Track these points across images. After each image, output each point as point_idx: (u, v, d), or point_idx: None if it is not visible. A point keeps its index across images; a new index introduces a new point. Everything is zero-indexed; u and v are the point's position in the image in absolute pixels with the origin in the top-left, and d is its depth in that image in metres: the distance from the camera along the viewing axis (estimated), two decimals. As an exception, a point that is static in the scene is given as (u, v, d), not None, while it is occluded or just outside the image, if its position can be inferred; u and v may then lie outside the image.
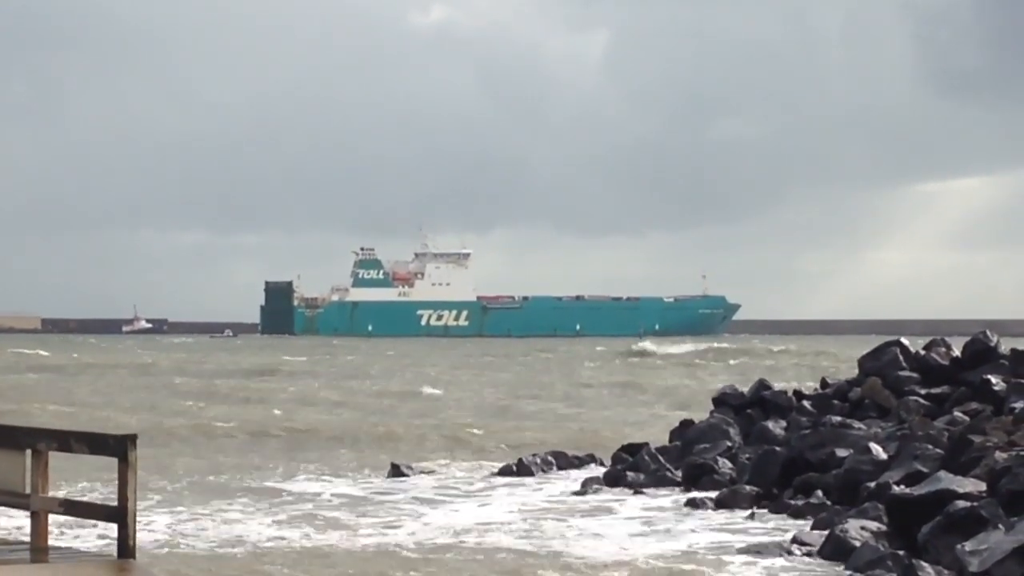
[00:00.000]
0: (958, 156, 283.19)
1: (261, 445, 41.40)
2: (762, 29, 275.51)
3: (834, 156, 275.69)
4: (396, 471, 33.35)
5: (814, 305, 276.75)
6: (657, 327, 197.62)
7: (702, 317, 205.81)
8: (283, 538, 23.87)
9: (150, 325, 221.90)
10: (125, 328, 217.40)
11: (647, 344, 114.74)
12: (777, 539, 22.72)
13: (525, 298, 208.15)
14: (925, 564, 19.76)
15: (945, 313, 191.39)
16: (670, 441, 33.21)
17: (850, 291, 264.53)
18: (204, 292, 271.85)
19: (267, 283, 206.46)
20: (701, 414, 35.66)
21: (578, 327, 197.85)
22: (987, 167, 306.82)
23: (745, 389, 34.60)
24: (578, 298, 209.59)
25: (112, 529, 15.15)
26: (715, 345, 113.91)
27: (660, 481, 29.09)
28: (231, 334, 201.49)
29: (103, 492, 26.86)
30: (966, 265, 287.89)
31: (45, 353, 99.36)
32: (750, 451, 29.23)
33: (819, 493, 25.43)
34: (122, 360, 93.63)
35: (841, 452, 26.58)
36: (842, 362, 77.81)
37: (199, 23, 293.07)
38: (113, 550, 15.26)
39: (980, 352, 31.22)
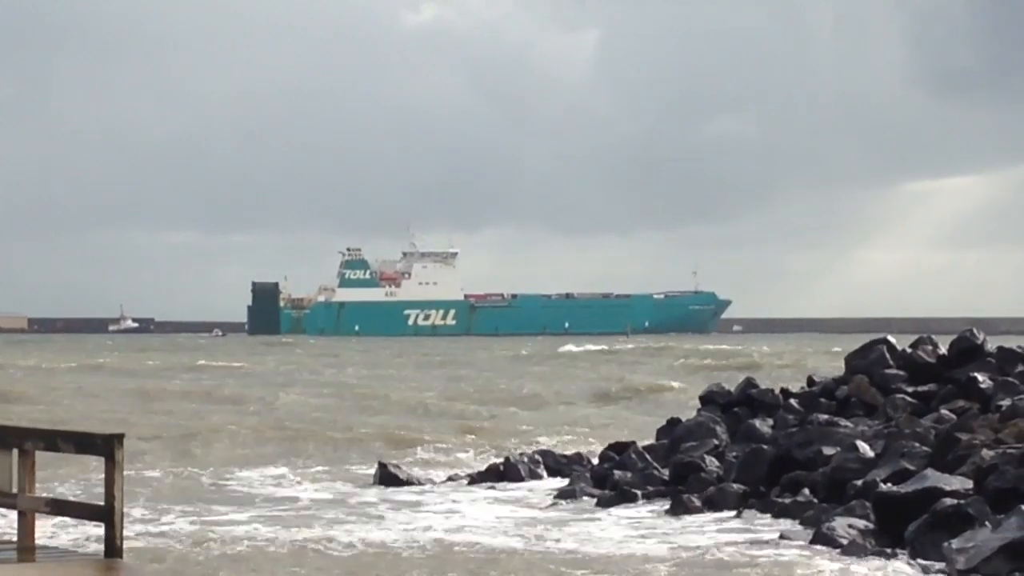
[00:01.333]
0: (950, 154, 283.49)
1: (234, 445, 40.80)
2: (753, 27, 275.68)
3: (826, 154, 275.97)
4: (384, 471, 33.31)
5: (806, 303, 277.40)
6: (647, 324, 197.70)
7: (692, 314, 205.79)
8: (267, 539, 23.73)
9: (136, 325, 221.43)
10: (111, 328, 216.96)
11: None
12: (765, 537, 22.75)
13: (514, 296, 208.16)
14: (912, 561, 19.81)
15: (938, 311, 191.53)
16: (657, 439, 33.22)
17: (842, 289, 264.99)
18: (192, 291, 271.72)
19: (254, 284, 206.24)
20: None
21: (567, 325, 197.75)
22: (979, 165, 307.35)
23: (732, 387, 34.66)
24: (568, 296, 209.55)
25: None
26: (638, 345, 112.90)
27: (647, 480, 29.08)
28: (220, 333, 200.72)
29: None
30: (958, 263, 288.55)
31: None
32: (737, 449, 29.23)
33: (806, 491, 25.43)
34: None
35: (828, 450, 26.58)
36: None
37: (188, 21, 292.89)
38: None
39: (967, 350, 31.25)
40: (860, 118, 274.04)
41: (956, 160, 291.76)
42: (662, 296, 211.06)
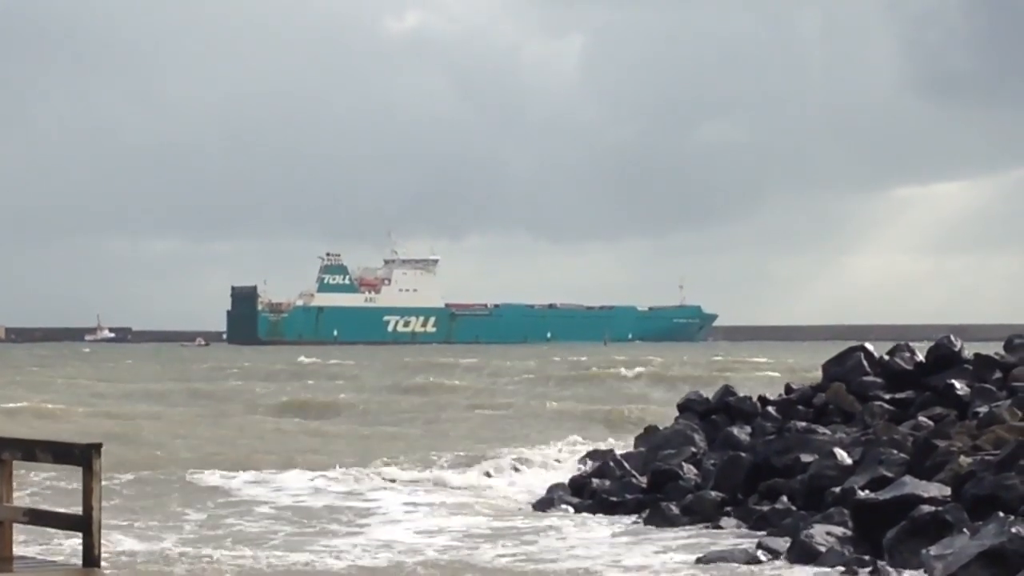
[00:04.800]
0: (940, 160, 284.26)
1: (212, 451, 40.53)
2: (742, 32, 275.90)
3: (815, 160, 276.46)
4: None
5: (793, 311, 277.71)
6: (631, 336, 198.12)
7: (677, 327, 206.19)
8: (243, 549, 23.63)
9: (113, 335, 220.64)
10: (87, 337, 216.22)
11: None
12: (743, 545, 22.77)
13: (496, 305, 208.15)
14: (890, 569, 19.87)
15: (927, 318, 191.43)
16: (635, 447, 33.28)
17: (830, 296, 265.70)
18: (171, 300, 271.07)
19: (233, 288, 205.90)
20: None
21: (549, 335, 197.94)
22: (969, 171, 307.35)
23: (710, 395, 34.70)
24: (551, 306, 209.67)
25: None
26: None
27: (625, 488, 29.10)
28: (203, 343, 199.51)
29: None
30: (946, 269, 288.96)
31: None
32: (715, 457, 29.27)
33: (784, 498, 25.48)
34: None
35: (806, 457, 26.64)
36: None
37: (170, 27, 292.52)
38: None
39: (944, 357, 31.32)
40: (849, 123, 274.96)
41: (945, 165, 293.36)
42: (646, 309, 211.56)
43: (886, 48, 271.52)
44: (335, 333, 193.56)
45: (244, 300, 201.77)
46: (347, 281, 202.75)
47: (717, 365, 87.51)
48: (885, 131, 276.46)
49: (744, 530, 24.54)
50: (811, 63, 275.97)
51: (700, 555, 22.19)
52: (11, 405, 55.40)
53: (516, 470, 33.87)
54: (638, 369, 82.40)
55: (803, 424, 29.39)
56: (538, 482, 32.32)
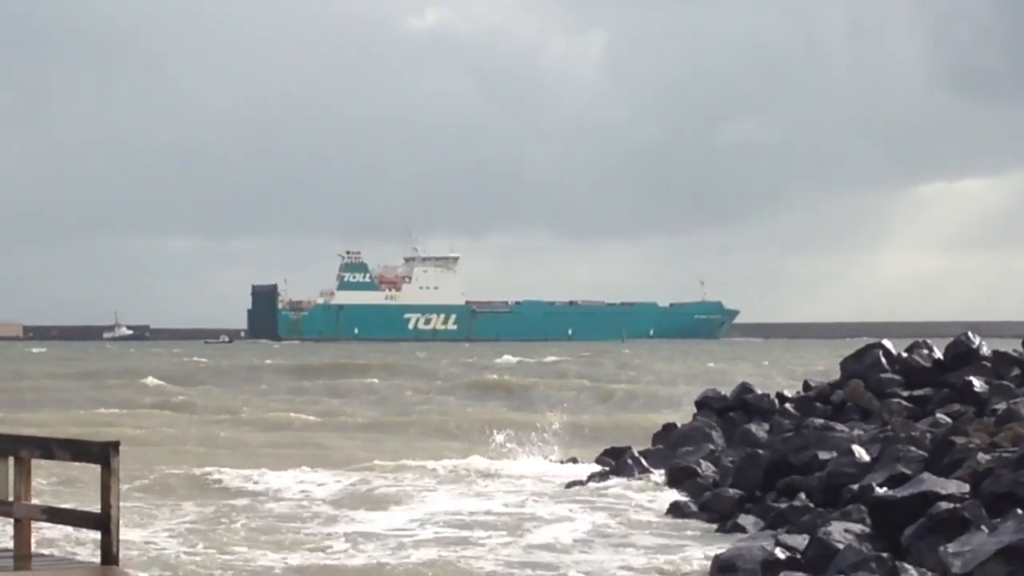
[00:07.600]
0: (967, 156, 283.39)
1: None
2: (765, 29, 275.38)
3: (839, 158, 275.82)
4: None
5: (816, 309, 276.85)
6: (652, 332, 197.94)
7: (698, 323, 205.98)
8: (261, 546, 23.70)
9: (131, 332, 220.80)
10: (105, 335, 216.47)
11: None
12: (761, 542, 22.74)
13: (517, 303, 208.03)
14: (908, 566, 19.82)
15: (950, 315, 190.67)
16: (653, 444, 33.29)
17: (854, 294, 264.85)
18: (191, 298, 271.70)
19: (254, 286, 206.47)
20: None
21: (570, 332, 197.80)
22: (996, 167, 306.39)
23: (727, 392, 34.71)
24: (571, 303, 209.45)
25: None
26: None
27: (644, 485, 29.11)
28: (227, 340, 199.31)
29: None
30: (972, 266, 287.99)
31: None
32: (733, 454, 29.28)
33: (802, 496, 25.45)
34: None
35: (824, 454, 26.62)
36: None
37: (189, 27, 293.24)
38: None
39: (962, 354, 31.30)
40: (875, 121, 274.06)
41: (971, 162, 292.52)
42: (667, 306, 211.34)
43: (912, 45, 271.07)
44: (355, 331, 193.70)
45: (264, 298, 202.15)
46: (367, 279, 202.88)
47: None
48: (910, 128, 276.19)
49: (762, 528, 24.52)
50: (836, 61, 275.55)
51: (717, 552, 22.18)
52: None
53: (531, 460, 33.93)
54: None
55: (821, 421, 29.39)
56: (558, 477, 32.39)
